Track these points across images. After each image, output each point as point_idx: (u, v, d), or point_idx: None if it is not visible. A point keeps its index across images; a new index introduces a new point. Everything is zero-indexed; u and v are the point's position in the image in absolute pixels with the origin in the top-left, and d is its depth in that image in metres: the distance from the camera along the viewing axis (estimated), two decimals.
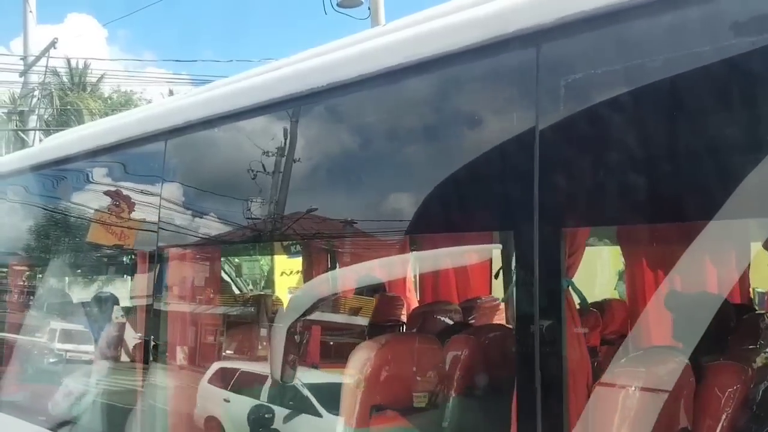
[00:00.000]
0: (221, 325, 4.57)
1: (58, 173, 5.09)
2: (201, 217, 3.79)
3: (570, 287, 2.18)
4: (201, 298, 4.28)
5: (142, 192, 4.16)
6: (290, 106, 3.09)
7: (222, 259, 5.40)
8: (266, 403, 4.17)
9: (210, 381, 4.44)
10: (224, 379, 4.48)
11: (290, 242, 4.60)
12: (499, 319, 5.50)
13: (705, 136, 1.95)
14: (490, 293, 5.77)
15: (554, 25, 2.15)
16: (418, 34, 2.60)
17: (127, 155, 4.26)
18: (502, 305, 5.57)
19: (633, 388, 2.15)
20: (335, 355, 4.52)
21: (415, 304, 5.81)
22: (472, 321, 5.05)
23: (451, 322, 4.66)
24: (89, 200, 4.71)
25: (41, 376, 5.46)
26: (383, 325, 4.99)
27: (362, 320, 5.02)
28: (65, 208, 5.14)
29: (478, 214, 2.44)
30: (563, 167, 2.16)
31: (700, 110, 1.96)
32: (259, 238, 3.80)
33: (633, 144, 2.07)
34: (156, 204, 3.90)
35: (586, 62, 2.15)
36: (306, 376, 4.23)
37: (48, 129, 20.09)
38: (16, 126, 19.88)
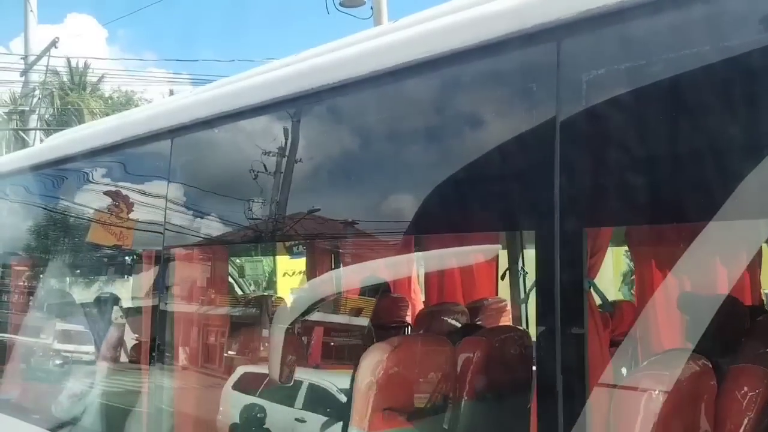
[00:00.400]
0: (239, 327, 4.45)
1: (61, 172, 5.03)
2: (208, 218, 3.73)
3: (592, 288, 2.13)
4: (212, 300, 4.18)
5: (147, 192, 4.09)
6: (303, 103, 3.02)
7: (231, 259, 5.33)
8: (300, 410, 4.04)
9: (235, 386, 4.25)
10: (251, 384, 4.26)
11: (300, 243, 4.54)
12: (506, 320, 5.46)
13: (733, 134, 1.90)
14: (496, 294, 5.74)
15: (575, 19, 2.10)
16: (431, 30, 2.55)
17: (133, 154, 4.20)
18: (509, 306, 5.53)
19: (656, 392, 2.09)
20: (348, 357, 4.42)
21: (419, 305, 5.78)
22: (479, 322, 5.00)
23: (458, 324, 4.61)
24: (93, 200, 4.65)
25: (44, 378, 5.38)
26: (388, 327, 4.94)
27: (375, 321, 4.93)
28: (69, 208, 5.07)
29: (497, 213, 2.38)
30: (585, 166, 2.11)
31: (729, 107, 1.90)
32: (269, 239, 3.73)
33: (657, 142, 2.01)
34: (162, 204, 3.84)
35: (608, 58, 2.10)
36: (343, 382, 4.07)
37: (49, 129, 20.03)
38: (17, 126, 19.82)
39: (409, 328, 5.18)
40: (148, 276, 4.08)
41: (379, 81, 2.62)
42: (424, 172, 2.64)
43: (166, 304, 3.89)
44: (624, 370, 2.67)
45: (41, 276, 5.55)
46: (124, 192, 4.29)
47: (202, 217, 3.77)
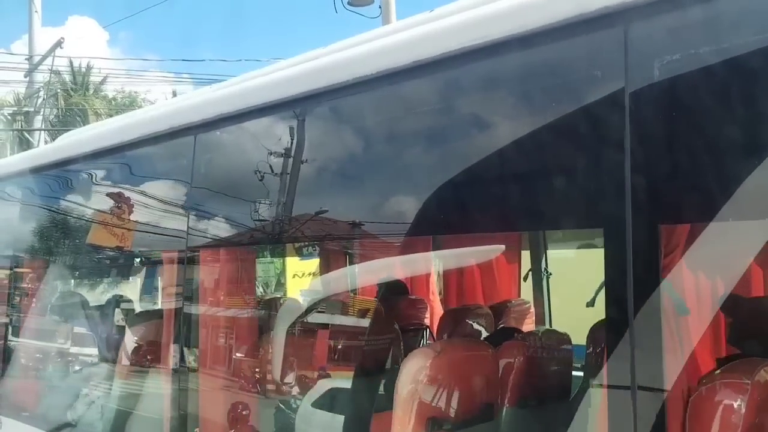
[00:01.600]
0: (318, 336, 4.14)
1: (74, 172, 4.88)
2: (235, 218, 3.56)
3: (667, 291, 1.99)
4: (244, 302, 3.98)
5: (169, 191, 3.93)
6: (338, 96, 2.84)
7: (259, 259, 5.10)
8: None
9: (316, 404, 3.77)
10: (342, 401, 3.73)
11: (326, 243, 4.37)
12: (530, 323, 5.32)
13: None
14: (519, 295, 5.60)
15: (645, 1, 1.96)
16: (483, 15, 2.39)
17: (154, 151, 4.03)
18: (533, 309, 5.39)
19: (737, 402, 1.96)
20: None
21: (438, 307, 5.64)
22: (502, 325, 4.87)
23: (482, 327, 4.47)
24: (110, 200, 4.49)
25: (70, 385, 5.20)
26: (407, 329, 4.80)
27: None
28: (80, 209, 4.93)
29: (568, 210, 2.22)
30: (659, 158, 1.96)
31: None
32: (299, 239, 3.58)
33: (741, 130, 1.87)
34: (185, 204, 3.69)
35: (682, 42, 1.95)
36: None
37: (53, 129, 19.91)
38: (21, 126, 19.70)
39: (427, 330, 5.05)
40: (172, 278, 3.90)
41: (429, 69, 2.44)
42: (474, 169, 2.47)
43: (193, 306, 3.72)
44: None
45: (66, 278, 5.38)
46: (146, 191, 4.13)
47: (228, 218, 3.61)
